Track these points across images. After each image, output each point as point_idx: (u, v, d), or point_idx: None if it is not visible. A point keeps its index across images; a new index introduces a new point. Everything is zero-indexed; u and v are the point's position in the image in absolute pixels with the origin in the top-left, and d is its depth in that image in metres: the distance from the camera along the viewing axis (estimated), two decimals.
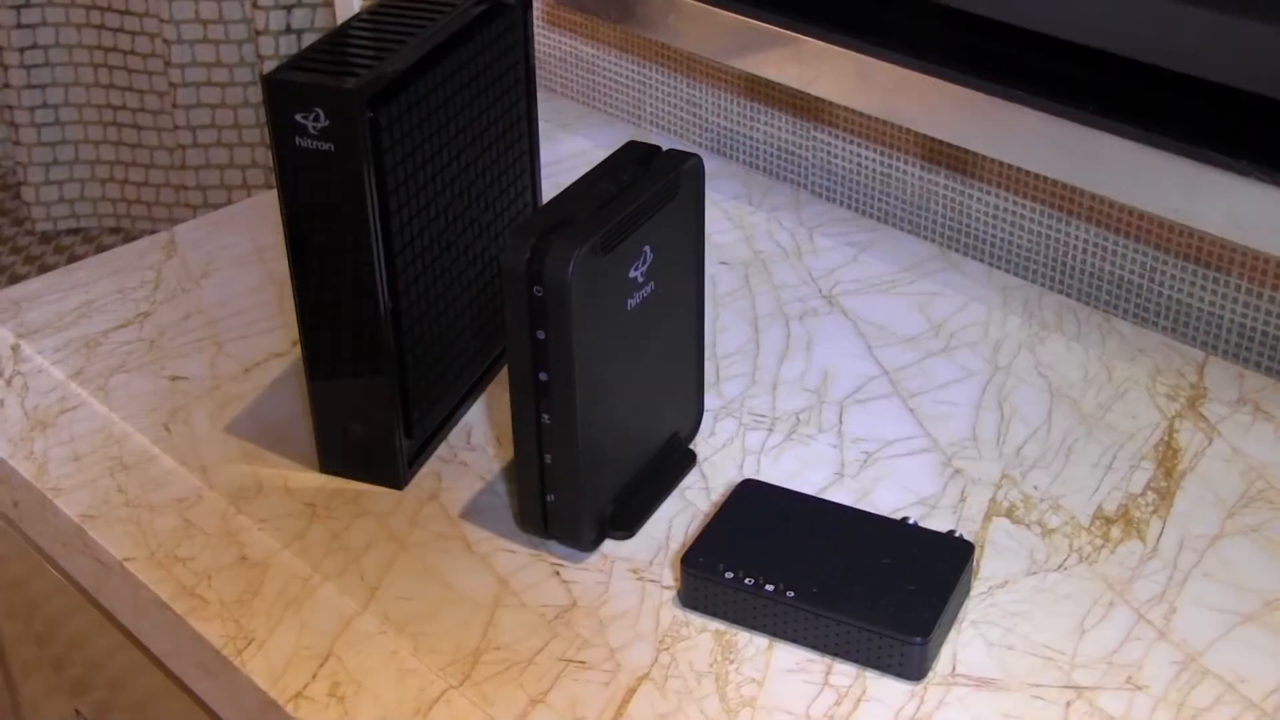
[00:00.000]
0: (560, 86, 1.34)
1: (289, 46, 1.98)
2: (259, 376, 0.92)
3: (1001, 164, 1.07)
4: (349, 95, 0.72)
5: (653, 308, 0.77)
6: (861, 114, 1.14)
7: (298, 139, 0.74)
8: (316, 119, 0.73)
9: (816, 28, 1.08)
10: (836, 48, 1.06)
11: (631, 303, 0.75)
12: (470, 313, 0.87)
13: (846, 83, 1.05)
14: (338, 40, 0.77)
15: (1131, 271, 1.03)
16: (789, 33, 1.08)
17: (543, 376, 0.73)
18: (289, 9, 1.95)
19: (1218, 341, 1.00)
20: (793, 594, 0.72)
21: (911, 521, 0.77)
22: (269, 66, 1.95)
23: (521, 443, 0.75)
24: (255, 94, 2.09)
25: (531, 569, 0.77)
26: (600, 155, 1.18)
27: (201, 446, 0.86)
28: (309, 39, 1.97)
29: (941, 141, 1.10)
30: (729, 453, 0.85)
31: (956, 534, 0.76)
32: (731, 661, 0.72)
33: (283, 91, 0.73)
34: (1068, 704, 0.69)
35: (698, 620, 0.74)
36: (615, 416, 0.77)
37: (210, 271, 1.03)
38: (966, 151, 1.09)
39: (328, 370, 0.80)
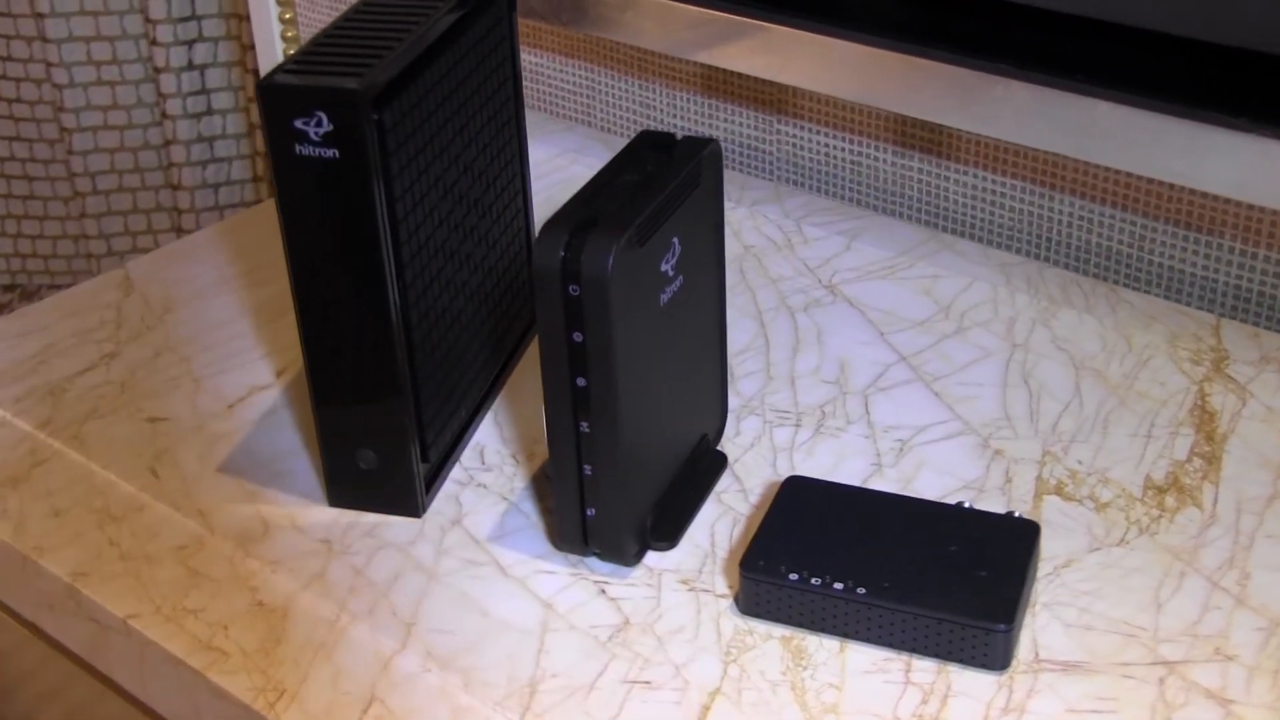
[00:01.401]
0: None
1: (192, 84, 1.91)
2: (246, 411, 0.86)
3: (979, 144, 1.05)
4: (354, 96, 0.67)
5: (681, 302, 0.73)
6: (828, 104, 1.11)
7: (298, 147, 0.69)
8: (319, 124, 0.68)
9: (782, 15, 1.05)
10: (806, 33, 1.03)
11: (664, 298, 0.71)
12: (474, 325, 0.82)
13: (819, 69, 1.02)
14: (327, 43, 0.72)
15: (1120, 242, 1.01)
16: (755, 22, 1.05)
17: (580, 382, 0.69)
18: (190, 44, 1.88)
19: (1213, 305, 0.99)
20: (863, 590, 0.68)
21: (967, 506, 0.74)
22: (172, 106, 1.88)
23: (559, 455, 0.71)
24: (157, 135, 2.01)
25: (575, 589, 0.73)
26: (565, 162, 1.14)
27: (195, 489, 0.81)
28: (214, 75, 1.90)
29: (915, 124, 1.07)
30: (759, 452, 0.81)
31: (1016, 514, 0.73)
32: (805, 668, 0.68)
33: (280, 97, 0.68)
34: (1160, 680, 0.66)
35: (761, 627, 0.70)
36: (652, 421, 0.73)
37: (174, 306, 0.97)
38: (941, 133, 1.07)
39: (336, 395, 0.75)
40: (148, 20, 1.84)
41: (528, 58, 1.28)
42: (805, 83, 1.04)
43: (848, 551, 0.70)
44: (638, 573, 0.73)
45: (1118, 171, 1.00)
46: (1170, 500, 0.76)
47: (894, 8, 1.05)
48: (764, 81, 1.14)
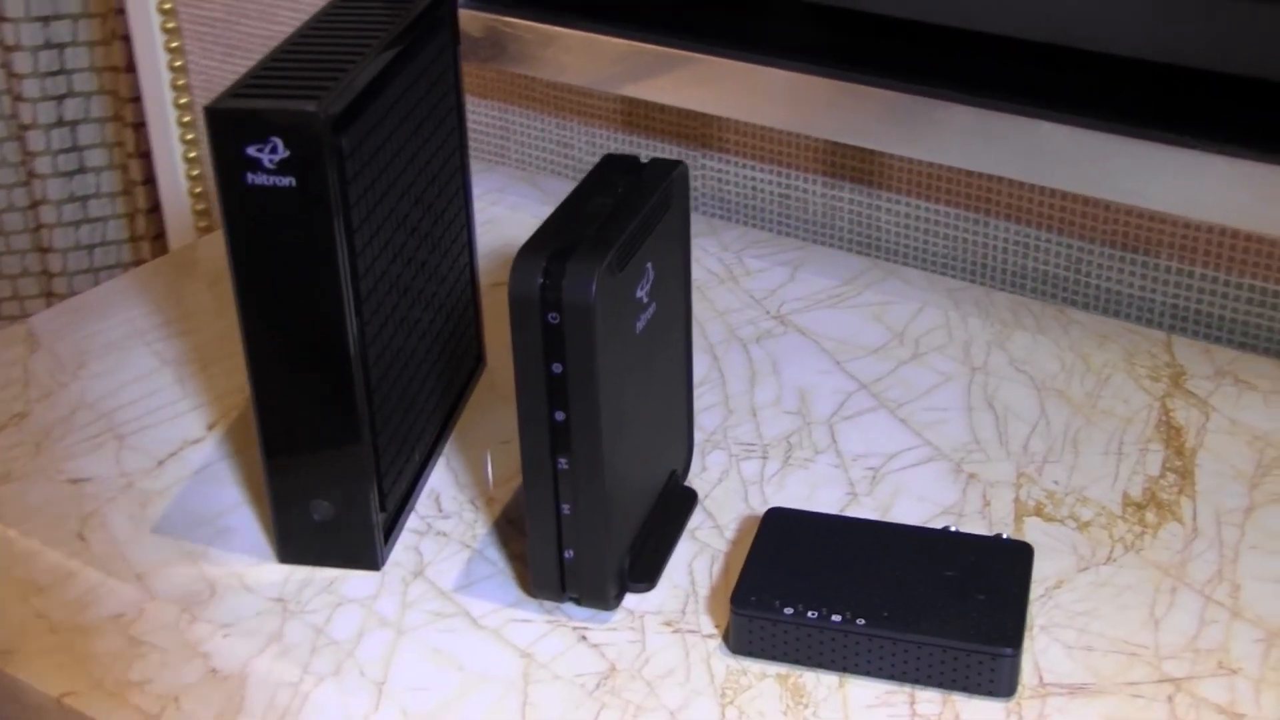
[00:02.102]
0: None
1: (63, 141, 1.84)
2: (177, 468, 0.81)
3: (911, 172, 1.04)
4: (311, 120, 0.63)
5: (655, 330, 0.70)
6: (754, 136, 1.10)
7: (249, 176, 0.64)
8: (274, 150, 0.64)
9: (713, 45, 1.03)
10: (739, 63, 1.01)
11: (639, 325, 0.68)
12: (426, 365, 0.78)
13: (751, 98, 1.01)
14: (274, 67, 0.68)
15: (1058, 265, 1.01)
16: (684, 53, 1.03)
17: (559, 416, 0.65)
18: (60, 99, 1.81)
19: (1151, 325, 0.99)
20: (863, 621, 0.65)
21: (954, 530, 0.71)
22: (41, 165, 1.81)
23: (535, 494, 0.67)
24: (23, 196, 1.93)
25: (554, 637, 0.69)
26: (487, 204, 1.11)
27: (130, 552, 0.75)
28: (87, 131, 1.83)
29: (846, 154, 1.06)
30: (728, 486, 0.78)
31: (1005, 536, 0.71)
32: (806, 706, 0.65)
33: (230, 122, 0.64)
34: (1169, 699, 0.64)
35: (755, 666, 0.67)
36: (630, 457, 0.69)
37: (86, 362, 0.91)
38: (873, 163, 1.05)
39: (290, 444, 0.70)
40: (12, 75, 1.76)
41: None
42: (738, 113, 1.02)
43: (841, 582, 0.68)
44: (618, 616, 0.70)
45: (1053, 195, 0.99)
46: (1151, 516, 0.75)
47: (825, 35, 1.03)
48: (687, 116, 1.12)
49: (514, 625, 0.70)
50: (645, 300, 0.68)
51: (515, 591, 0.72)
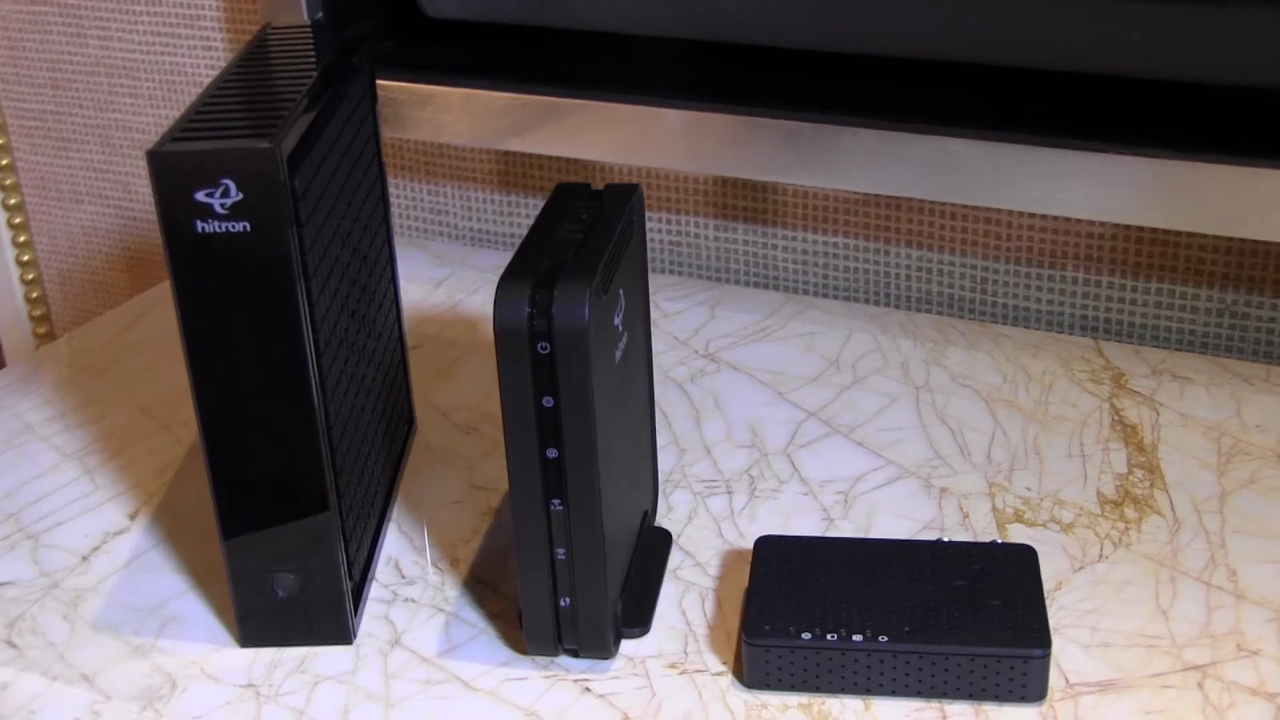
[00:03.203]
0: None
1: None
2: (105, 561, 0.75)
3: (806, 206, 1.03)
4: (266, 158, 0.59)
5: (628, 361, 0.67)
6: (642, 182, 1.08)
7: (199, 224, 0.60)
8: (225, 194, 0.59)
9: (596, 91, 1.01)
10: (627, 105, 0.99)
11: (617, 355, 0.65)
12: (372, 425, 0.74)
13: (641, 141, 0.99)
14: (208, 112, 0.63)
15: (962, 286, 1.01)
16: (570, 100, 1.01)
17: (551, 453, 0.62)
18: None
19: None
20: (885, 638, 0.63)
21: (947, 540, 0.70)
22: None
23: (526, 539, 0.63)
24: None
25: (556, 692, 0.65)
26: None
27: (71, 653, 0.68)
28: None
29: (738, 194, 1.05)
30: (700, 523, 0.75)
31: (999, 541, 0.69)
32: None
33: (176, 166, 0.59)
34: (1199, 685, 0.63)
35: (774, 699, 0.63)
36: (615, 497, 0.66)
37: None
38: (766, 200, 1.04)
39: (250, 518, 0.65)
40: None
41: None
42: (628, 158, 1.00)
43: (851, 602, 0.65)
44: (618, 664, 0.66)
45: (954, 217, 0.99)
46: (1130, 512, 0.74)
47: (714, 71, 1.03)
48: (566, 166, 1.10)
49: (510, 685, 0.65)
50: (620, 329, 0.65)
51: (503, 650, 0.67)
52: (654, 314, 0.96)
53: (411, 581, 0.72)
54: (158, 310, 1.00)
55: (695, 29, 1.00)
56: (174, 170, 0.59)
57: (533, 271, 0.61)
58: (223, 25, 1.18)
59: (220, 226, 0.60)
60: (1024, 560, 0.67)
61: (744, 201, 1.05)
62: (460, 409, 0.86)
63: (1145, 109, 0.92)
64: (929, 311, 1.01)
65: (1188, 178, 0.86)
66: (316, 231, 0.64)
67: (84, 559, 0.75)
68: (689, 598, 0.70)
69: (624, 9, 1.00)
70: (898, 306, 1.03)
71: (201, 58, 1.19)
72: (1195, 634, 0.66)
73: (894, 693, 0.63)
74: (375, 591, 0.71)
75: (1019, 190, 0.90)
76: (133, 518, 0.78)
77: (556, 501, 0.62)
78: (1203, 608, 0.68)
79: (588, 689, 0.65)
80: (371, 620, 0.69)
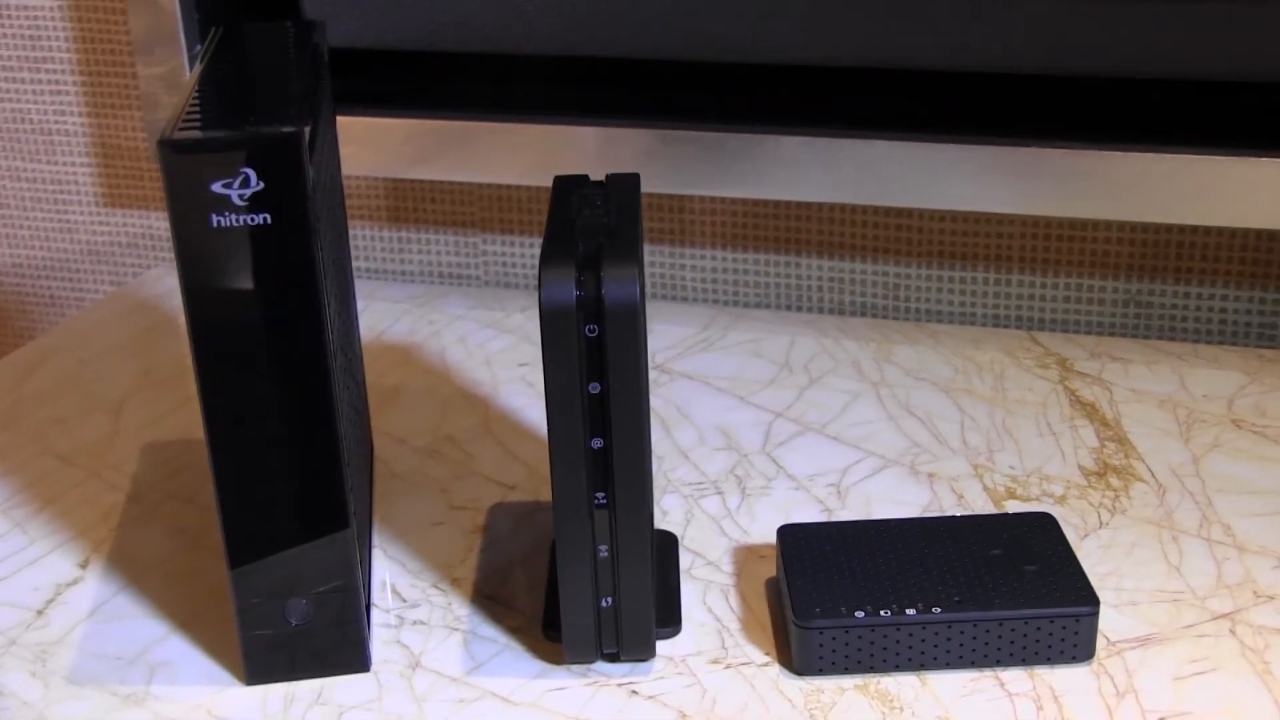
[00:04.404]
0: (156, 263, 1.14)
1: None
2: (65, 613, 0.68)
3: (714, 223, 1.03)
4: (290, 143, 0.55)
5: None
6: (535, 212, 1.06)
7: (214, 219, 0.56)
8: (245, 183, 0.55)
9: (505, 114, 0.99)
10: (540, 126, 0.98)
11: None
12: (357, 438, 0.70)
13: (555, 161, 0.97)
14: (206, 102, 0.59)
15: (875, 295, 1.02)
16: (484, 124, 0.98)
17: (596, 443, 0.59)
18: None
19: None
20: (939, 609, 0.62)
21: (959, 515, 0.69)
22: None
23: (570, 536, 0.60)
24: None
25: (602, 698, 0.62)
26: None
27: (53, 711, 0.62)
28: None
29: (648, 211, 1.04)
30: (700, 524, 0.73)
31: (1017, 513, 0.69)
32: (900, 710, 0.60)
33: (191, 157, 0.55)
34: (1231, 631, 0.64)
35: (828, 683, 0.62)
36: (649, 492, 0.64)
37: None
38: (675, 220, 1.04)
39: (262, 540, 0.61)
40: None
41: (156, 223, 1.14)
42: (543, 180, 0.98)
43: (893, 579, 0.64)
44: (658, 665, 0.63)
45: (864, 225, 1.00)
46: (1115, 481, 0.76)
47: (629, 87, 1.02)
48: (462, 201, 1.07)
49: (552, 695, 0.62)
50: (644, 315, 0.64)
51: (533, 663, 0.64)
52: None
53: (414, 604, 0.68)
54: (54, 359, 0.93)
55: (601, 48, 0.99)
56: (188, 160, 0.55)
57: (572, 254, 0.58)
58: (74, 68, 1.12)
59: (237, 220, 0.56)
60: (1046, 527, 0.68)
61: (652, 223, 1.04)
62: (417, 434, 0.82)
63: (1060, 104, 0.95)
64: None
65: (1104, 167, 0.89)
66: (325, 227, 0.60)
67: (39, 613, 0.69)
68: (711, 595, 0.68)
69: (528, 31, 0.99)
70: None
71: (49, 103, 1.13)
72: (1212, 585, 0.67)
73: (947, 665, 0.62)
74: (377, 617, 0.67)
75: (943, 189, 0.91)
76: (84, 566, 0.72)
77: (600, 495, 0.60)
78: (1210, 561, 0.69)
79: (635, 691, 0.62)
80: (382, 646, 0.65)
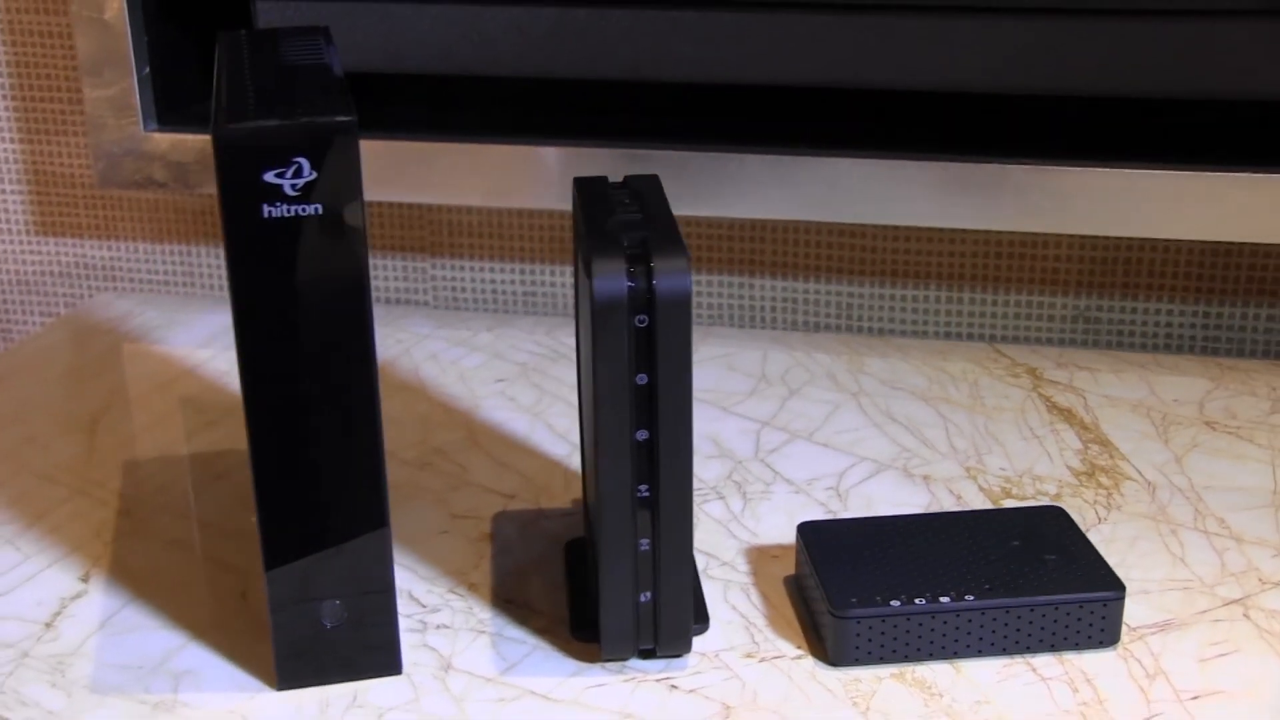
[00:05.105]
0: (136, 283, 1.11)
1: None
2: (73, 626, 0.66)
3: None
4: (345, 132, 0.55)
5: None
6: (488, 235, 1.06)
7: (265, 209, 0.55)
8: (298, 173, 0.55)
9: (470, 135, 0.99)
10: (502, 146, 0.98)
11: None
12: None
13: (516, 181, 0.97)
14: (244, 86, 0.58)
15: (828, 315, 1.04)
16: (444, 144, 0.98)
17: (641, 435, 0.59)
18: None
19: None
20: (972, 597, 0.63)
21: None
22: None
23: (612, 528, 0.60)
24: None
25: (643, 693, 0.61)
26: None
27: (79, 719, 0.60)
28: None
29: None
30: (707, 528, 0.73)
31: (1027, 506, 0.71)
32: (940, 696, 0.61)
33: (246, 146, 0.54)
34: (1245, 615, 0.66)
35: (866, 673, 0.62)
36: None
37: None
38: None
39: (299, 540, 0.59)
40: None
41: (146, 243, 1.11)
42: (503, 200, 0.99)
43: (921, 570, 0.65)
44: (693, 661, 0.64)
45: (818, 245, 1.02)
46: (1105, 480, 0.78)
47: (591, 107, 1.02)
48: (408, 224, 1.06)
49: (592, 692, 0.62)
50: None
51: (566, 661, 0.64)
52: (559, 350, 0.94)
53: (435, 609, 0.67)
54: (10, 382, 0.90)
55: (563, 69, 0.99)
56: (240, 149, 0.54)
57: (620, 248, 0.59)
58: (6, 93, 1.09)
59: (289, 210, 0.55)
60: (1059, 518, 0.69)
61: None
62: (405, 447, 0.82)
63: (1010, 121, 0.97)
64: None
65: (1055, 183, 0.91)
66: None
67: (47, 625, 0.66)
68: (732, 593, 0.68)
69: (491, 52, 0.99)
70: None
71: None
72: (1218, 574, 0.69)
73: (980, 652, 0.64)
74: (401, 622, 0.66)
75: (905, 206, 0.94)
76: (85, 579, 0.70)
77: (644, 488, 0.60)
78: (1212, 552, 0.71)
79: (674, 686, 0.62)
80: (411, 650, 0.64)
